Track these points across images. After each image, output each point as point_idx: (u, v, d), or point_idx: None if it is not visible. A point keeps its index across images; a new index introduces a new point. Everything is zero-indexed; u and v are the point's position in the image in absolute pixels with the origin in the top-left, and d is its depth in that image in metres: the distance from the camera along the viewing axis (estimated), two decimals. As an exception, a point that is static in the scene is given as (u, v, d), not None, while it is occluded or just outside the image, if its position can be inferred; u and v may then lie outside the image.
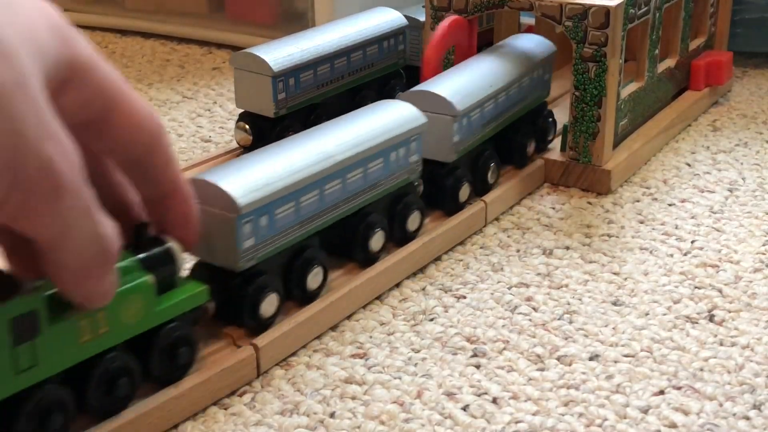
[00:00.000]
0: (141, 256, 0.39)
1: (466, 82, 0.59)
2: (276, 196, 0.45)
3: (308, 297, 0.48)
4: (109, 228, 0.33)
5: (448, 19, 0.65)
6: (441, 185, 0.57)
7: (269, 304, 0.45)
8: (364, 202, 0.51)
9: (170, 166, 0.38)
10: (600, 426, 0.42)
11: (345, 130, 0.50)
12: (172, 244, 0.40)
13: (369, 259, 0.52)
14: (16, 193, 0.29)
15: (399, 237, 0.54)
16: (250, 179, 0.44)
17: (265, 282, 0.45)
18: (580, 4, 0.61)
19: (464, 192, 0.58)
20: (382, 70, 0.74)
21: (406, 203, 0.54)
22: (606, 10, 0.61)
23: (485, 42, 0.76)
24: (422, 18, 0.72)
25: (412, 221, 0.54)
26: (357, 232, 0.51)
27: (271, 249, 0.45)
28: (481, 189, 0.60)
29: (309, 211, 0.47)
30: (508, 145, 0.64)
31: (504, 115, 0.62)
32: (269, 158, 0.46)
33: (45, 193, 0.29)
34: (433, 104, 0.56)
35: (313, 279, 0.48)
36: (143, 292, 0.38)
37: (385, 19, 0.74)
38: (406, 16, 0.75)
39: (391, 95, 0.75)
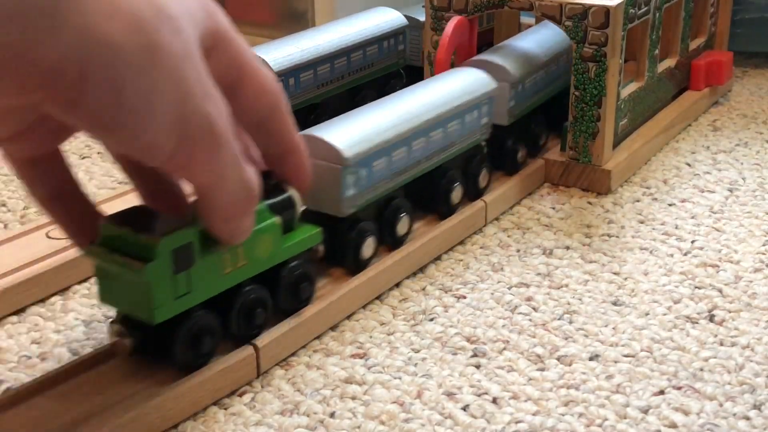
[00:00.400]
0: (269, 201, 0.44)
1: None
2: (374, 150, 0.50)
3: (397, 241, 0.53)
4: (253, 175, 0.38)
5: (454, 20, 0.65)
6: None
7: (368, 247, 0.51)
8: (443, 159, 0.56)
9: (289, 127, 0.42)
10: (600, 426, 0.42)
11: (427, 93, 0.56)
12: (293, 191, 0.45)
13: (449, 212, 0.57)
14: (184, 145, 0.34)
15: (472, 193, 0.59)
16: (352, 135, 0.49)
17: (365, 227, 0.51)
18: (580, 4, 0.61)
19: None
20: (382, 70, 0.74)
21: (477, 161, 0.59)
22: (606, 10, 0.61)
23: (485, 42, 0.76)
24: (422, 18, 0.72)
25: (483, 178, 0.60)
26: (440, 186, 0.56)
27: (368, 198, 0.51)
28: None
29: (399, 165, 0.52)
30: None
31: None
32: (366, 117, 0.52)
33: (207, 145, 0.34)
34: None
35: (402, 225, 0.53)
36: (273, 231, 0.44)
37: (385, 19, 0.74)
38: (406, 16, 0.75)
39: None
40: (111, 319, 0.42)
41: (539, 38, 0.68)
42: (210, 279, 0.41)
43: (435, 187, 0.56)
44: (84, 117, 0.31)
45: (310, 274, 0.47)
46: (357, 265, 0.51)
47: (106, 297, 0.41)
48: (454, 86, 0.57)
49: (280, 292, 0.46)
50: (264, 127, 0.41)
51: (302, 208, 0.46)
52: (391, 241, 0.53)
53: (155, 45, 0.31)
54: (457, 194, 0.57)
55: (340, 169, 0.48)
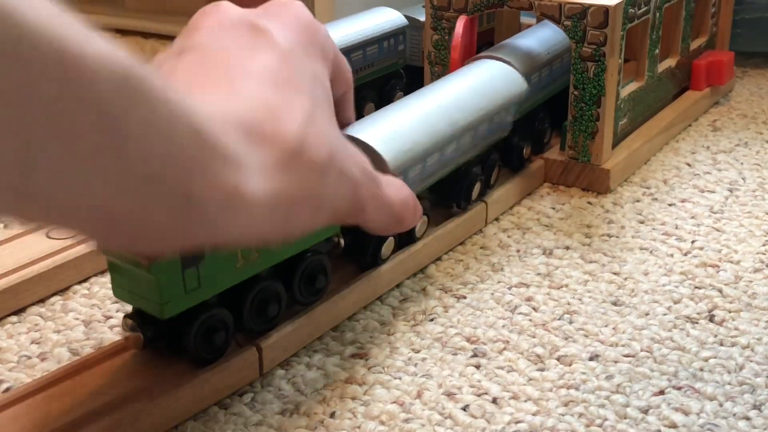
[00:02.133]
0: None
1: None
2: (412, 158, 0.50)
3: (413, 240, 0.54)
4: (397, 195, 0.44)
5: (462, 19, 0.65)
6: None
7: (387, 248, 0.51)
8: (468, 158, 0.57)
9: (352, 106, 0.48)
10: (600, 426, 0.42)
11: (463, 94, 0.56)
12: None
13: (467, 206, 0.58)
14: (348, 216, 0.41)
15: (485, 189, 0.60)
16: (395, 140, 0.49)
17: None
18: (579, 3, 0.61)
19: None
20: (382, 70, 0.74)
21: (493, 158, 0.60)
22: (605, 10, 0.61)
23: (485, 42, 0.76)
24: (422, 18, 0.72)
25: (494, 174, 0.61)
26: (462, 183, 0.57)
27: None
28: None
29: (430, 169, 0.53)
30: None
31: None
32: (404, 118, 0.52)
33: (359, 211, 0.41)
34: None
35: (420, 228, 0.54)
36: None
37: (385, 19, 0.74)
38: (406, 16, 0.75)
39: (391, 95, 0.75)
40: (125, 314, 0.43)
41: (542, 36, 0.68)
42: (222, 273, 0.41)
43: (457, 184, 0.57)
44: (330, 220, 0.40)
45: (325, 266, 0.47)
46: (374, 263, 0.51)
47: (118, 292, 0.42)
48: (489, 86, 0.58)
49: (295, 285, 0.46)
50: (338, 104, 0.45)
51: None
52: (407, 240, 0.54)
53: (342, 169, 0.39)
54: (477, 190, 0.58)
55: None
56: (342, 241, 0.48)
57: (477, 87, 0.57)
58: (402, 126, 0.51)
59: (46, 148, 0.25)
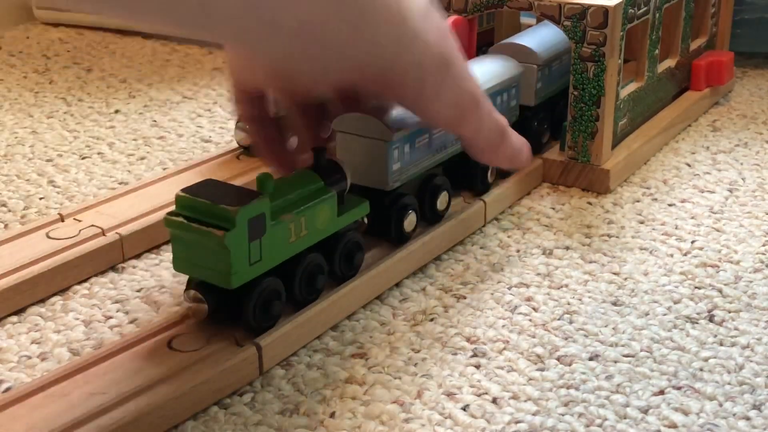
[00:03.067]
0: (325, 177, 0.48)
1: None
2: (416, 127, 0.53)
3: (436, 216, 0.56)
4: (500, 118, 0.49)
5: (450, 19, 0.65)
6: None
7: (410, 222, 0.54)
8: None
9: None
10: (600, 426, 0.42)
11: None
12: (344, 166, 0.49)
13: (485, 190, 0.60)
14: (458, 113, 0.46)
15: (500, 173, 0.63)
16: (397, 113, 0.52)
17: (408, 201, 0.54)
18: (578, 3, 0.61)
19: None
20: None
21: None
22: (604, 10, 0.61)
23: (485, 42, 0.76)
24: (422, 18, 0.72)
25: None
26: (477, 165, 0.59)
27: (411, 173, 0.54)
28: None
29: (438, 143, 0.55)
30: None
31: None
32: None
33: (473, 111, 0.47)
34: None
35: (441, 201, 0.56)
36: (330, 204, 0.47)
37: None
38: (406, 16, 0.75)
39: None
40: (187, 287, 0.45)
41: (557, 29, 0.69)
42: (278, 247, 0.45)
43: (472, 167, 0.59)
44: (393, 96, 0.46)
45: (361, 244, 0.50)
46: (400, 238, 0.54)
47: (180, 264, 0.45)
48: (487, 70, 0.60)
49: (336, 260, 0.49)
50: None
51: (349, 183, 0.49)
52: (430, 216, 0.56)
53: (448, 57, 0.44)
54: (492, 173, 0.61)
55: (386, 145, 0.51)
56: (366, 221, 0.52)
57: (475, 70, 0.57)
58: None
59: None
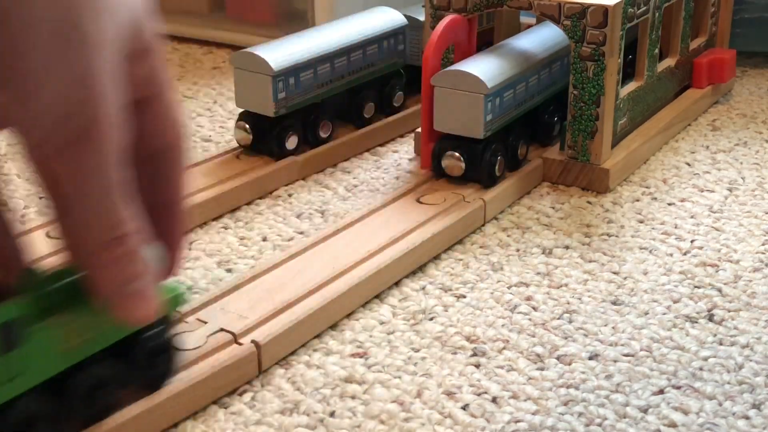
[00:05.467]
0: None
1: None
2: (506, 82, 0.61)
3: (518, 164, 0.64)
4: (127, 216, 0.33)
5: (447, 18, 0.65)
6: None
7: (500, 167, 0.61)
8: (544, 97, 0.67)
9: (180, 173, 0.37)
10: (600, 425, 0.42)
11: (537, 37, 0.68)
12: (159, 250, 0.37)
13: (548, 140, 0.68)
14: (60, 129, 0.30)
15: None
16: (488, 72, 0.60)
17: (498, 148, 0.61)
18: (578, 3, 0.62)
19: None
20: (382, 70, 0.74)
21: (559, 101, 0.68)
22: (604, 9, 0.61)
23: (485, 41, 0.76)
24: (422, 18, 0.72)
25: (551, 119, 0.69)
26: (544, 118, 0.68)
27: (498, 124, 0.62)
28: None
29: (520, 98, 0.64)
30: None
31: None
32: (494, 57, 0.63)
33: (82, 142, 0.31)
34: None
35: (522, 150, 0.64)
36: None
37: (385, 19, 0.74)
38: (406, 16, 0.75)
39: (391, 95, 0.75)
40: None
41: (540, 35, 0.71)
42: (46, 358, 0.36)
43: (539, 119, 0.68)
44: None
45: (169, 344, 0.41)
46: (491, 181, 0.61)
47: None
48: (548, 35, 0.68)
49: (133, 367, 0.40)
50: (156, 164, 0.37)
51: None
52: (512, 164, 0.64)
53: (72, 22, 0.30)
54: (557, 126, 0.68)
55: (482, 97, 0.59)
56: (462, 166, 0.60)
57: (546, 34, 0.68)
58: (491, 60, 0.62)
59: None
